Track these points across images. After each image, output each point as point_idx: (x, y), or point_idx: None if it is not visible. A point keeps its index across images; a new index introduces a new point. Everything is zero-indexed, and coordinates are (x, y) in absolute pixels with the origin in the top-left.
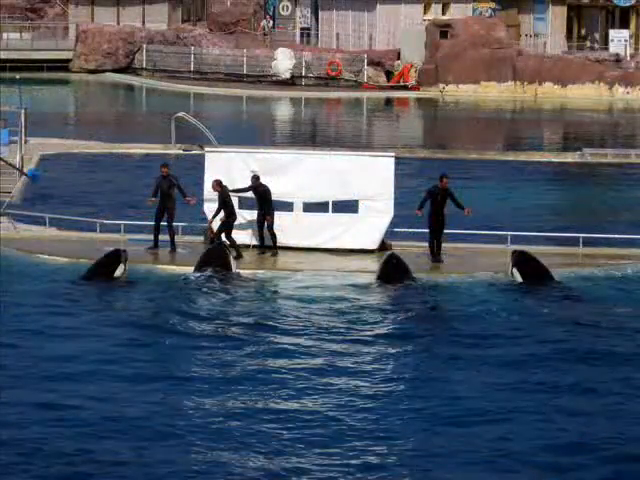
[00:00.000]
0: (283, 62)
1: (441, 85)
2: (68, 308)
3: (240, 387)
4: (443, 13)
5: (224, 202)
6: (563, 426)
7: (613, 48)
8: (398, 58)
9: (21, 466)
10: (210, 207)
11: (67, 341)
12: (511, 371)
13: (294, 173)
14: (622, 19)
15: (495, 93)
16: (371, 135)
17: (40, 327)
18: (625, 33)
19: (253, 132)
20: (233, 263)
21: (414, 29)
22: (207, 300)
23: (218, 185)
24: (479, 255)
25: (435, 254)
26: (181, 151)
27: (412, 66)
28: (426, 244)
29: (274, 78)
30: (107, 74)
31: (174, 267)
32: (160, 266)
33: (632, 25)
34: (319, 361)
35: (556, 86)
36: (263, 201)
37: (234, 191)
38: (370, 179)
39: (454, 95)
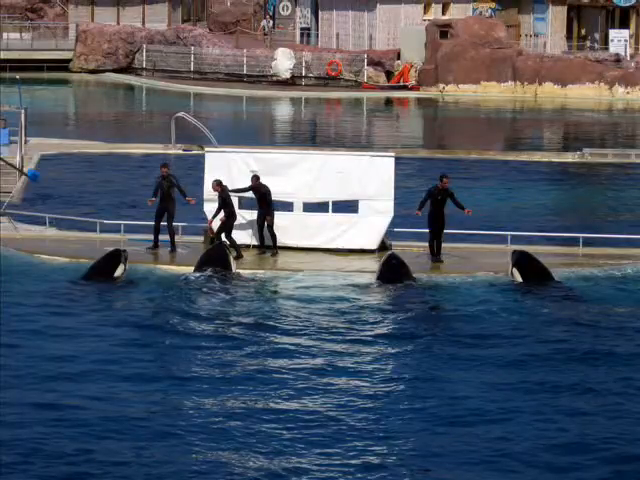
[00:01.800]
0: (283, 62)
1: (441, 85)
2: (68, 308)
3: (240, 387)
4: (443, 13)
5: (224, 202)
6: (563, 426)
7: (613, 48)
8: (398, 58)
9: (21, 466)
10: (210, 207)
11: (67, 341)
12: (511, 371)
13: (294, 173)
14: (622, 19)
15: (495, 93)
16: (371, 135)
17: (40, 327)
18: (625, 33)
19: (253, 132)
20: (233, 263)
21: (414, 29)
22: (207, 300)
23: (218, 185)
24: (479, 255)
25: (435, 254)
26: (181, 151)
27: (412, 66)
28: (426, 244)
29: (274, 78)
30: (107, 74)
31: (174, 267)
32: (160, 266)
33: (632, 25)
34: (319, 361)
35: (556, 86)
36: (263, 201)
37: (234, 191)
38: (370, 179)
39: (454, 95)
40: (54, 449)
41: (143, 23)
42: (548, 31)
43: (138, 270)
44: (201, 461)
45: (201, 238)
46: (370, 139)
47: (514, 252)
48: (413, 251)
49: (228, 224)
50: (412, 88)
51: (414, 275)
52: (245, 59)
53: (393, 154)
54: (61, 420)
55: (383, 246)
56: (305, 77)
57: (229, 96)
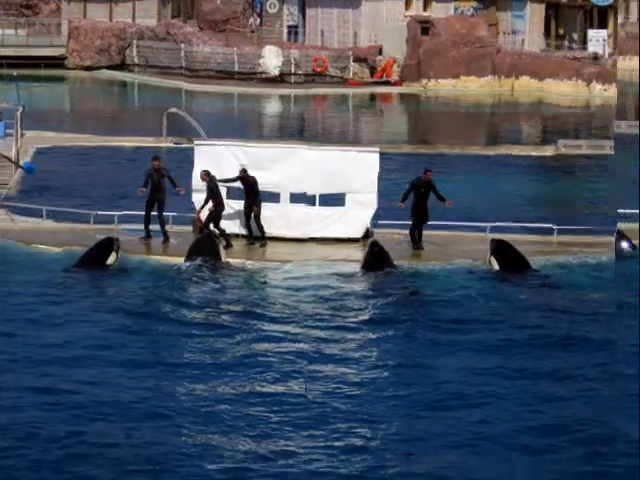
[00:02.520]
0: (271, 60)
1: (424, 80)
2: (62, 296)
3: (230, 373)
4: (424, 9)
5: (212, 192)
6: (540, 409)
7: (592, 48)
8: (380, 54)
9: (18, 450)
10: (199, 197)
11: (61, 328)
12: (490, 356)
13: (282, 166)
14: (600, 19)
15: (475, 87)
16: (357, 131)
17: (35, 315)
18: (603, 33)
19: (243, 128)
20: (223, 252)
21: (396, 25)
22: (198, 289)
23: (206, 175)
24: (458, 243)
25: (416, 242)
26: (172, 144)
27: (395, 61)
28: (407, 231)
29: (263, 75)
30: (102, 71)
31: (167, 257)
32: (153, 256)
33: (610, 25)
34: (306, 348)
35: (533, 80)
36: (250, 191)
37: (222, 181)
38: (356, 173)
39: (435, 90)
40: (50, 433)
41: (133, 19)
42: (526, 29)
43: (131, 260)
44: (191, 444)
45: (190, 228)
46: (355, 135)
47: (492, 241)
48: (395, 238)
49: (216, 214)
50: (395, 83)
51: (395, 262)
52: (236, 57)
53: (378, 149)
54: (56, 404)
55: (366, 234)
56: (294, 74)
57: (221, 93)
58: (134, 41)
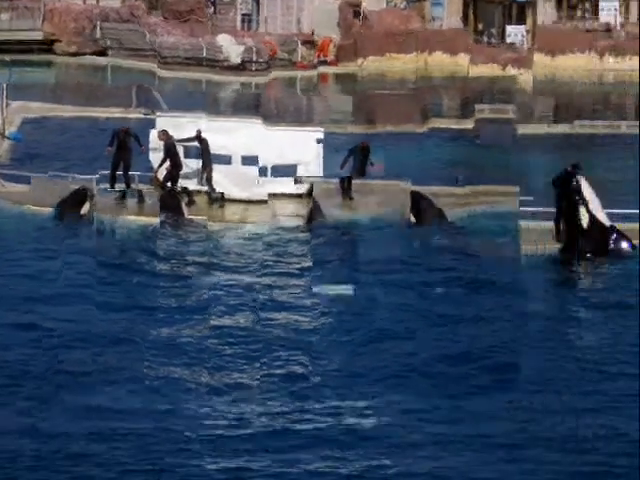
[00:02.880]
0: (230, 48)
1: (360, 60)
2: (47, 248)
3: (194, 316)
4: None
5: (169, 151)
6: (456, 338)
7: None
8: (312, 34)
9: (10, 388)
10: (156, 156)
11: (43, 281)
12: (410, 293)
13: (238, 134)
14: (519, 14)
15: (399, 65)
16: (302, 110)
17: (18, 262)
18: (522, 28)
19: (206, 108)
20: (185, 209)
21: (326, 8)
22: (162, 242)
23: (164, 134)
24: (383, 193)
25: (345, 190)
26: (142, 115)
27: (331, 41)
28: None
29: (225, 63)
30: (86, 57)
31: (142, 217)
32: (128, 217)
33: (529, 21)
34: (259, 294)
35: (445, 55)
36: (202, 153)
37: (180, 141)
38: (303, 148)
39: (367, 68)
40: (39, 370)
41: (97, 1)
42: (444, 15)
43: (107, 219)
44: (153, 377)
45: (151, 187)
46: (300, 114)
47: (411, 192)
48: (328, 189)
49: (174, 173)
50: (330, 63)
51: (327, 213)
52: (204, 45)
53: (322, 129)
54: (39, 341)
55: (310, 191)
56: (256, 62)
57: (190, 80)
58: (98, 22)
